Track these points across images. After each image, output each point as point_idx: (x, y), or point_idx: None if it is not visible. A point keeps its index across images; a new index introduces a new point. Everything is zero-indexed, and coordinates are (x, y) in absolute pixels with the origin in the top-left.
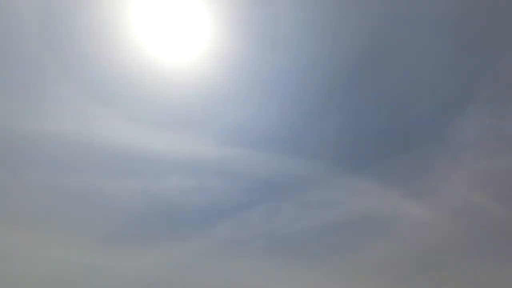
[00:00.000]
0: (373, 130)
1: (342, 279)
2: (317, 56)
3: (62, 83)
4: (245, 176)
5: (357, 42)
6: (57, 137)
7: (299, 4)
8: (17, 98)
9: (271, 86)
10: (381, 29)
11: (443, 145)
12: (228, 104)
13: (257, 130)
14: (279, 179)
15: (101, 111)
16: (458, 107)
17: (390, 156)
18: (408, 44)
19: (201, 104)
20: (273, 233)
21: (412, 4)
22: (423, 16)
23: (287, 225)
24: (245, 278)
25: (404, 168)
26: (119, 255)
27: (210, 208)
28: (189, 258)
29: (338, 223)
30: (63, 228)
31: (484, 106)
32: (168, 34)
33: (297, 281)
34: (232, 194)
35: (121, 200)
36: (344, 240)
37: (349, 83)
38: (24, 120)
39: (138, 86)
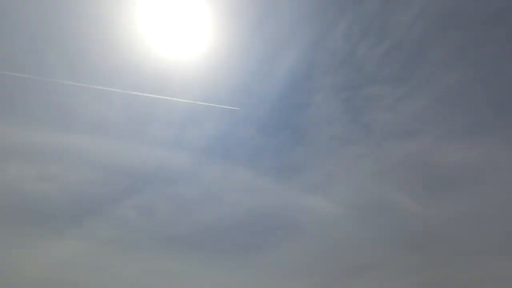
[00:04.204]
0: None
1: (246, 282)
2: None
3: None
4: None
5: None
6: None
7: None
8: None
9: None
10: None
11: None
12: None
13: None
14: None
15: None
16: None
17: (276, 149)
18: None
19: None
20: (155, 230)
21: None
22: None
23: (170, 224)
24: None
25: (294, 162)
26: None
27: (78, 202)
28: (59, 256)
29: (232, 221)
30: None
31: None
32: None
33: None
34: (107, 186)
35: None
36: (246, 239)
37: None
38: None
39: None
